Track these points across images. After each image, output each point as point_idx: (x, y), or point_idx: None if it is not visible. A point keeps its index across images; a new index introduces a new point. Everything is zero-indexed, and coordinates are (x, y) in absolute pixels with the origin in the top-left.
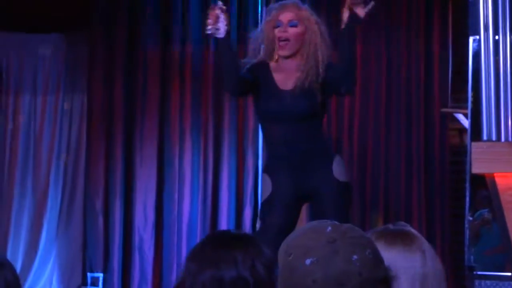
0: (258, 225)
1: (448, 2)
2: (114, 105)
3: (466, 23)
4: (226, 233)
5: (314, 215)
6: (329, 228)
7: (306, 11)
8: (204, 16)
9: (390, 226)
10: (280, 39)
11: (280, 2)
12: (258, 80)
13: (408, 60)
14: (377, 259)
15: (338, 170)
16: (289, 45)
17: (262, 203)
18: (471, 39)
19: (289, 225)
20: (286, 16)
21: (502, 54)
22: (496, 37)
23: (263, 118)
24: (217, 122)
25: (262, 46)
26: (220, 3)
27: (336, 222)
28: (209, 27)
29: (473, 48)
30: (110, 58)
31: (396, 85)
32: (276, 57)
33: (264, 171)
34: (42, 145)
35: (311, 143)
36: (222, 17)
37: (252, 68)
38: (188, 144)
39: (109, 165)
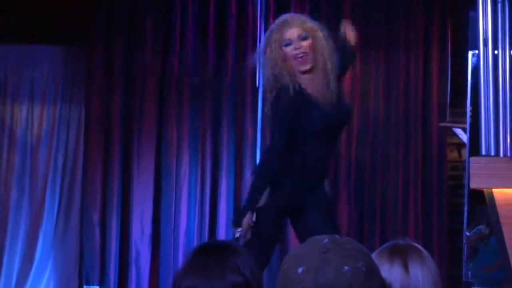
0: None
1: (448, 16)
2: (111, 117)
3: (466, 37)
4: (215, 243)
5: (302, 231)
6: (326, 239)
7: (309, 23)
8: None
9: (398, 240)
10: (297, 56)
11: (280, 21)
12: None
13: (407, 74)
14: (371, 273)
15: (327, 186)
16: (308, 57)
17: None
18: (470, 53)
19: (277, 237)
20: (293, 32)
21: (501, 69)
22: (496, 52)
23: (306, 137)
24: (215, 134)
25: (269, 71)
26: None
27: (336, 236)
28: (240, 235)
29: (472, 63)
30: (108, 70)
31: (394, 99)
32: (294, 75)
33: None
34: (39, 157)
35: (327, 164)
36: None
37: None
38: (185, 157)
39: (106, 178)
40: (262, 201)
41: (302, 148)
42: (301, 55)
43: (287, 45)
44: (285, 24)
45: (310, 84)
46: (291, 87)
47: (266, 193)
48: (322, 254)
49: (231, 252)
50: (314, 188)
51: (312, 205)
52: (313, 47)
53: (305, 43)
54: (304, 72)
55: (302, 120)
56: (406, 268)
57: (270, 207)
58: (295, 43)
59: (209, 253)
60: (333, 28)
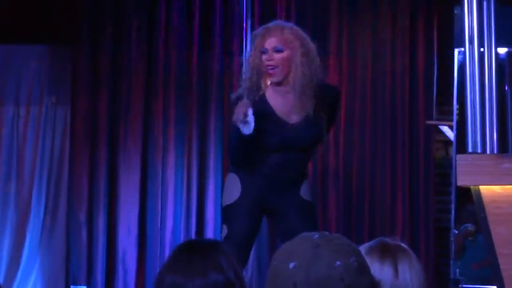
0: (224, 230)
1: (433, 14)
2: (97, 116)
3: (452, 35)
4: (200, 241)
5: (283, 233)
6: (316, 235)
7: (290, 34)
8: (188, 26)
9: (386, 239)
10: (267, 67)
11: (264, 26)
12: (258, 117)
13: (393, 73)
14: (362, 268)
15: (304, 190)
16: (278, 71)
17: (227, 206)
18: (456, 51)
19: (253, 234)
20: (270, 42)
21: (487, 66)
22: (481, 49)
23: (260, 148)
24: (202, 134)
25: (248, 75)
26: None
27: (326, 232)
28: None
29: (458, 61)
30: (94, 70)
31: (381, 98)
32: (267, 84)
33: (234, 170)
34: (25, 157)
35: (298, 170)
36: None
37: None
38: (172, 155)
39: (92, 177)
40: (232, 196)
41: (261, 154)
42: (271, 67)
43: (263, 52)
44: (267, 31)
45: (278, 97)
46: (245, 96)
47: (237, 186)
48: (313, 249)
49: (215, 251)
50: (283, 190)
51: (290, 208)
52: (286, 61)
53: (278, 56)
54: (275, 84)
55: (260, 130)
56: (396, 269)
57: (243, 205)
58: (269, 53)
59: (192, 250)
60: (318, 27)
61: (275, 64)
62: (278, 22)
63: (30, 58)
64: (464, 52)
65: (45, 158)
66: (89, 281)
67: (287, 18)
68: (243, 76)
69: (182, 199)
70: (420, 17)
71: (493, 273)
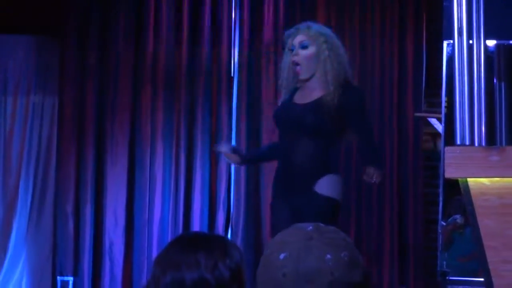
0: None
1: (422, 6)
2: (85, 107)
3: (440, 27)
4: (194, 234)
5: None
6: (310, 227)
7: (315, 30)
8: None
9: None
10: (293, 64)
11: (294, 26)
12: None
13: (382, 64)
14: (354, 263)
15: (322, 185)
16: (303, 68)
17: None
18: (445, 43)
19: None
20: (297, 39)
21: (476, 59)
22: (470, 42)
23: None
24: (190, 125)
25: (284, 76)
26: None
27: (321, 224)
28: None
29: (447, 53)
30: (81, 61)
31: (369, 89)
32: (298, 83)
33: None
34: (12, 148)
35: (306, 156)
36: None
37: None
38: (159, 147)
39: (79, 168)
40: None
41: (280, 140)
42: (296, 64)
43: (292, 50)
44: (295, 30)
45: (302, 88)
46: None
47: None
48: (305, 241)
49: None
50: (297, 185)
51: (304, 205)
52: (311, 59)
53: (304, 52)
54: (304, 81)
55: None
56: None
57: (279, 223)
58: (295, 50)
59: (197, 245)
60: (306, 18)
61: (299, 61)
62: (307, 22)
63: (17, 49)
64: (453, 44)
65: (32, 149)
66: (76, 272)
67: (275, 10)
68: (280, 73)
69: (169, 190)
70: (409, 9)
71: (480, 265)
